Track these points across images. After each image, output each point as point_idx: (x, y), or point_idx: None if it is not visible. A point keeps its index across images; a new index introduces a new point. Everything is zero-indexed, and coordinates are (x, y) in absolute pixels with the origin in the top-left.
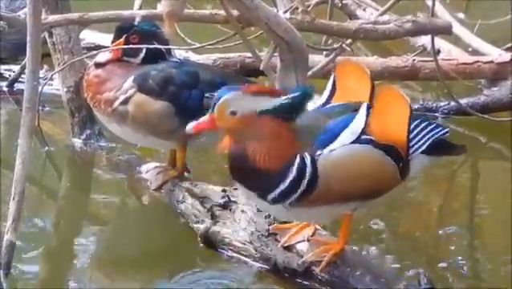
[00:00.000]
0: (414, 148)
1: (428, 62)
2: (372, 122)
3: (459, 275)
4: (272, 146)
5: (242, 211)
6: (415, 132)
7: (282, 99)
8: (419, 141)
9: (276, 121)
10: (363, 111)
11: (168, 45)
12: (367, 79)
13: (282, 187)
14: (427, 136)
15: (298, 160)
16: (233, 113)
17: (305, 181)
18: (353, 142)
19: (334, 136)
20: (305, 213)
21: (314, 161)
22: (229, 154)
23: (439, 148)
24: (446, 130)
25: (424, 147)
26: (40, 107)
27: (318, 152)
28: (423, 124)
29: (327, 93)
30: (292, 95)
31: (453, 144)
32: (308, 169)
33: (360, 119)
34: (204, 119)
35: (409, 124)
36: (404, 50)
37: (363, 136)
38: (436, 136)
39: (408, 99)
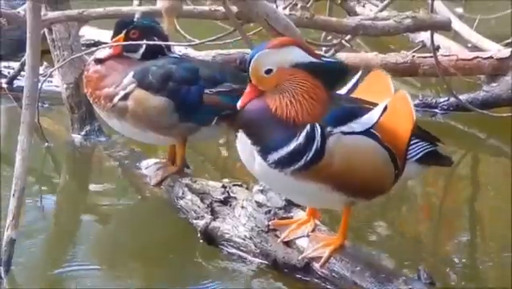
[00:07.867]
0: (409, 159)
1: (427, 58)
2: (381, 122)
3: (458, 271)
4: (302, 103)
5: (242, 207)
6: (411, 144)
7: (318, 59)
8: (412, 153)
9: (310, 77)
10: (380, 108)
11: (167, 41)
12: (390, 90)
13: (287, 150)
14: (419, 150)
15: (308, 128)
16: (269, 71)
17: (310, 153)
18: (362, 132)
19: (344, 119)
20: (301, 189)
21: (323, 136)
22: (245, 107)
23: (429, 157)
24: (435, 146)
25: (415, 158)
26: (40, 104)
27: (329, 129)
28: (417, 140)
29: (346, 88)
30: (329, 60)
31: (442, 155)
32: (316, 142)
33: (375, 114)
34: (246, 91)
35: (410, 137)
36: (404, 46)
37: (371, 130)
38: (428, 150)
39: (413, 112)
